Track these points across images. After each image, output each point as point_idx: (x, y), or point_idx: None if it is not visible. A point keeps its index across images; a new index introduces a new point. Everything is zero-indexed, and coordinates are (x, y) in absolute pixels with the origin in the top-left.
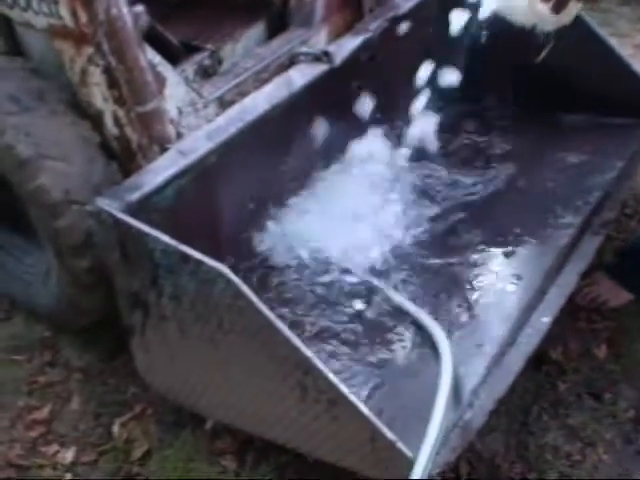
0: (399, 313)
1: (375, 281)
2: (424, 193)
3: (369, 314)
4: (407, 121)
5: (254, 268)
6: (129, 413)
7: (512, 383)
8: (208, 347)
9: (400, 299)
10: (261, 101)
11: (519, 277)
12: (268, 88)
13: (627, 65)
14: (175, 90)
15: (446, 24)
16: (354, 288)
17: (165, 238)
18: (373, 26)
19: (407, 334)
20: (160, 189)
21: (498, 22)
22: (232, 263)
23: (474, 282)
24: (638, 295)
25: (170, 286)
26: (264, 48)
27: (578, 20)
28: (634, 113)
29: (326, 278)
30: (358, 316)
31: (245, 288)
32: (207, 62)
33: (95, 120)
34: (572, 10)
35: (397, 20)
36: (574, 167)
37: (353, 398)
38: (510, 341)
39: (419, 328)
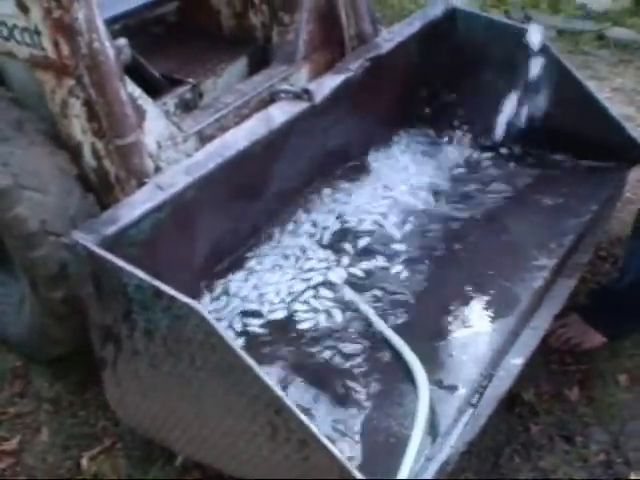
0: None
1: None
2: (400, 229)
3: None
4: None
5: (229, 302)
6: (98, 446)
7: (484, 425)
8: (180, 383)
9: (384, 329)
10: (241, 137)
11: (493, 318)
12: (248, 124)
13: (604, 109)
14: (155, 124)
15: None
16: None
17: (139, 273)
18: (354, 65)
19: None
20: (136, 223)
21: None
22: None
23: (448, 323)
24: (611, 338)
25: (143, 321)
26: (245, 84)
27: (554, 60)
28: (610, 156)
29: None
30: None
31: (218, 325)
32: (188, 96)
33: (74, 152)
34: None
35: (378, 60)
36: (549, 209)
37: (324, 439)
38: (483, 383)
39: (399, 360)
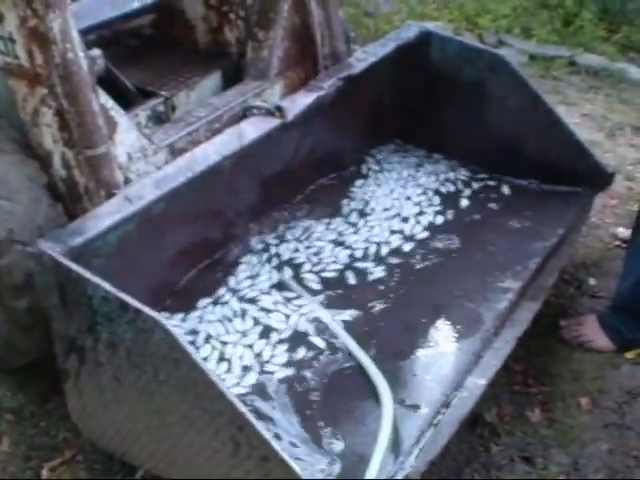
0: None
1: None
2: (367, 252)
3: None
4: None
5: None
6: (59, 458)
7: (445, 444)
8: (142, 396)
9: (351, 345)
10: (211, 152)
11: (457, 339)
12: (219, 139)
13: (571, 134)
14: (126, 135)
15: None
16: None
17: (105, 285)
18: (327, 84)
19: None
20: (103, 235)
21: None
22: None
23: (412, 342)
24: (619, 347)
25: (107, 333)
26: (218, 98)
27: (523, 85)
28: (576, 181)
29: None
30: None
31: (182, 339)
32: (161, 108)
33: (44, 161)
34: None
35: (351, 79)
36: (516, 232)
37: (285, 456)
38: (445, 403)
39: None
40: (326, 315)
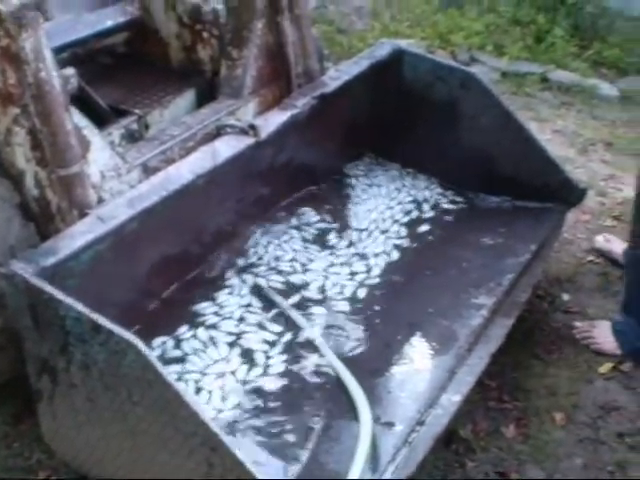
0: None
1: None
2: (342, 269)
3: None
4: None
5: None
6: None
7: (421, 461)
8: (116, 417)
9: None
10: (185, 170)
11: (431, 356)
12: (193, 158)
13: (543, 151)
14: (99, 154)
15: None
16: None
17: (77, 306)
18: (301, 102)
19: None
20: (76, 255)
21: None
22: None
23: (387, 360)
24: (627, 352)
25: (80, 354)
26: (192, 116)
27: (495, 103)
28: (548, 197)
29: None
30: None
31: (155, 361)
32: (134, 127)
33: (16, 180)
34: None
35: (324, 98)
36: (489, 248)
37: (260, 477)
38: (420, 420)
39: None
40: (311, 332)
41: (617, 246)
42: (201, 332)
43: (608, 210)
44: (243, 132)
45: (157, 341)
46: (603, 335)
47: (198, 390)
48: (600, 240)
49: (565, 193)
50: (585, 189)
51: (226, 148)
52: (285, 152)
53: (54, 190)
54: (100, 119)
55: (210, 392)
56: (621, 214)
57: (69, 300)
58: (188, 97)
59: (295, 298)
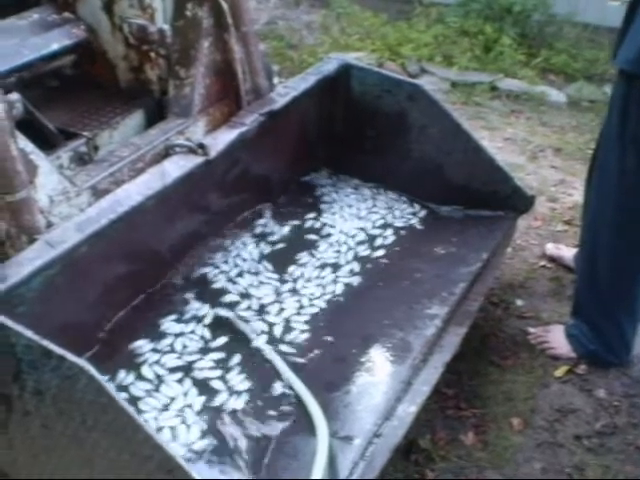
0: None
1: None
2: (297, 283)
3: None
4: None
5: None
6: None
7: (378, 475)
8: (72, 444)
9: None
10: (134, 192)
11: (387, 368)
12: (142, 179)
13: (491, 159)
14: (47, 179)
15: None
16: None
17: (28, 333)
18: (249, 120)
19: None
20: (26, 281)
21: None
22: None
23: (343, 373)
24: (579, 356)
25: (33, 381)
26: (141, 137)
27: (443, 113)
28: (498, 206)
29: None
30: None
31: (107, 385)
32: (83, 149)
33: None
34: None
35: (273, 115)
36: (441, 258)
37: None
38: (377, 432)
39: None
40: (267, 348)
41: (567, 252)
42: (154, 357)
43: (559, 215)
44: (192, 151)
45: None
46: (557, 339)
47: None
48: (550, 247)
49: (515, 201)
50: (534, 196)
51: (175, 168)
52: (235, 170)
53: (2, 216)
54: (49, 142)
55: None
56: (572, 219)
57: (18, 327)
58: (137, 118)
59: (250, 314)
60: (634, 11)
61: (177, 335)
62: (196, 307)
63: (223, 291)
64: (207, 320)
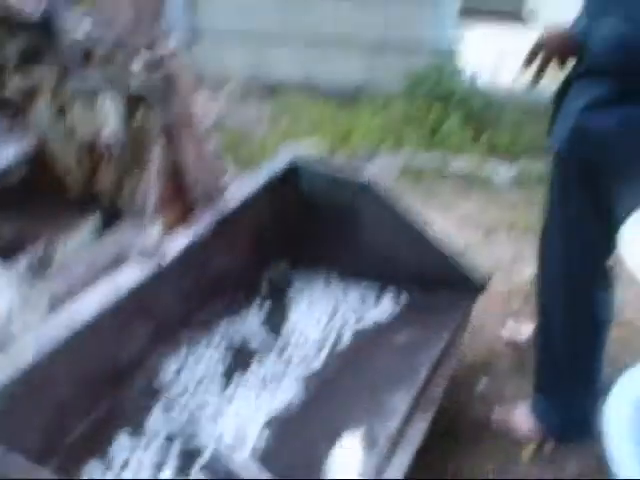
0: None
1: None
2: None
3: None
4: None
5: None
6: None
7: None
8: None
9: None
10: (89, 304)
11: (354, 463)
12: (97, 289)
13: (444, 243)
14: (3, 290)
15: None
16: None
17: None
18: (202, 224)
19: None
20: None
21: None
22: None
23: (310, 471)
24: (547, 434)
25: None
26: (95, 245)
27: (392, 205)
28: (455, 288)
29: None
30: None
31: None
32: (38, 259)
33: None
34: None
35: (225, 217)
36: (403, 345)
37: None
38: None
39: None
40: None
41: (525, 328)
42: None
43: (515, 292)
44: (145, 259)
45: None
46: (522, 418)
47: None
48: (509, 325)
49: (470, 281)
50: (489, 276)
51: (129, 277)
52: (190, 274)
53: None
54: (3, 254)
55: None
56: (528, 294)
57: None
58: (90, 225)
59: (207, 419)
60: (565, 93)
61: (132, 449)
62: (152, 420)
63: (178, 400)
64: (162, 434)
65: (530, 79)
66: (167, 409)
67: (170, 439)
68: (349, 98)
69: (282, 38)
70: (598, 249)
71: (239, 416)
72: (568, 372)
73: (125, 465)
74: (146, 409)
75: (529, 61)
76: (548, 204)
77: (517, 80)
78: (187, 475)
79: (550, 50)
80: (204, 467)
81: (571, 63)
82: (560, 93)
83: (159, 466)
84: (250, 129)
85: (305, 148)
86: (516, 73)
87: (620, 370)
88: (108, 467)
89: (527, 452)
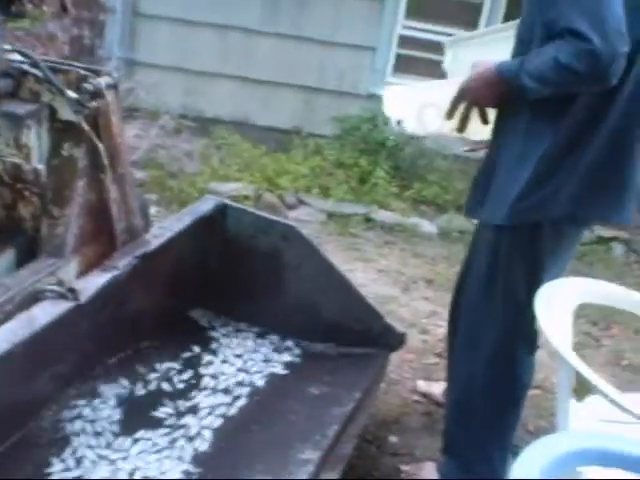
0: None
1: None
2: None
3: None
4: None
5: None
6: None
7: None
8: None
9: None
10: (1, 340)
11: None
12: (9, 325)
13: (362, 298)
14: None
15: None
16: None
17: None
18: (122, 263)
19: None
20: None
21: None
22: None
23: None
24: None
25: None
26: (11, 278)
27: (315, 253)
28: (371, 343)
29: None
30: None
31: None
32: None
33: None
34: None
35: (146, 257)
36: (315, 399)
37: None
38: None
39: None
40: None
41: (437, 388)
42: None
43: (431, 348)
44: (62, 296)
45: None
46: (429, 477)
47: None
48: (421, 384)
49: (387, 338)
50: (404, 334)
51: (44, 314)
52: (107, 313)
53: None
54: None
55: None
56: (443, 351)
57: None
58: (8, 257)
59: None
60: (496, 157)
61: None
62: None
63: (86, 443)
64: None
65: (455, 128)
66: (72, 453)
67: None
68: (282, 140)
69: (219, 75)
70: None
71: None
72: (480, 430)
73: None
74: (49, 453)
75: (451, 111)
76: (483, 268)
77: (441, 129)
78: None
79: (471, 99)
80: None
81: (493, 111)
82: (488, 166)
83: None
84: (180, 165)
85: (233, 189)
86: (439, 123)
87: (530, 433)
88: None
89: None
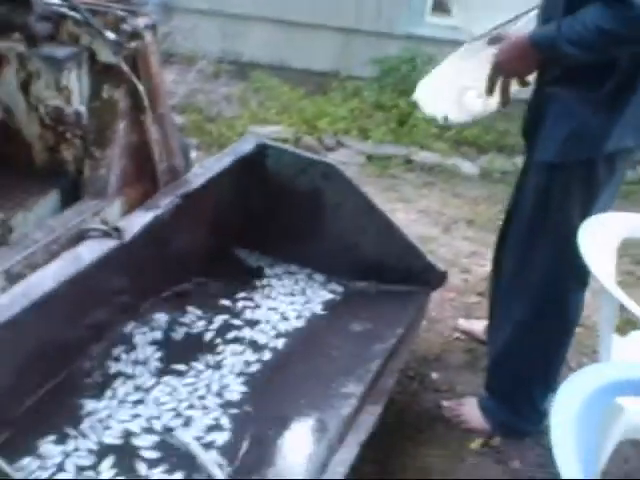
0: None
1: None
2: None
3: None
4: None
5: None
6: None
7: None
8: None
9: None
10: (48, 278)
11: (303, 449)
12: (56, 264)
13: (403, 235)
14: None
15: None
16: None
17: None
18: (164, 202)
19: None
20: None
21: None
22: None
23: (260, 458)
24: (493, 429)
25: None
26: (56, 219)
27: (356, 192)
28: (412, 281)
29: None
30: None
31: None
32: None
33: None
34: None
35: (189, 196)
36: (357, 335)
37: None
38: None
39: None
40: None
41: (478, 325)
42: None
43: (472, 287)
44: (107, 235)
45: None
46: (471, 412)
47: None
48: (462, 322)
49: (428, 276)
50: (446, 272)
51: (90, 252)
52: (150, 253)
53: None
54: None
55: None
56: (484, 290)
57: None
58: (52, 199)
59: (164, 397)
60: (544, 102)
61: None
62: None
63: (136, 376)
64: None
65: (499, 102)
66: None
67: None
68: (320, 82)
69: (255, 19)
70: None
71: (194, 391)
72: (522, 368)
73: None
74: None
75: (490, 88)
76: (534, 209)
77: (486, 108)
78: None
79: (507, 73)
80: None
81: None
82: (538, 103)
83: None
84: (218, 109)
85: (272, 131)
86: (482, 103)
87: (572, 369)
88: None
89: (475, 445)
